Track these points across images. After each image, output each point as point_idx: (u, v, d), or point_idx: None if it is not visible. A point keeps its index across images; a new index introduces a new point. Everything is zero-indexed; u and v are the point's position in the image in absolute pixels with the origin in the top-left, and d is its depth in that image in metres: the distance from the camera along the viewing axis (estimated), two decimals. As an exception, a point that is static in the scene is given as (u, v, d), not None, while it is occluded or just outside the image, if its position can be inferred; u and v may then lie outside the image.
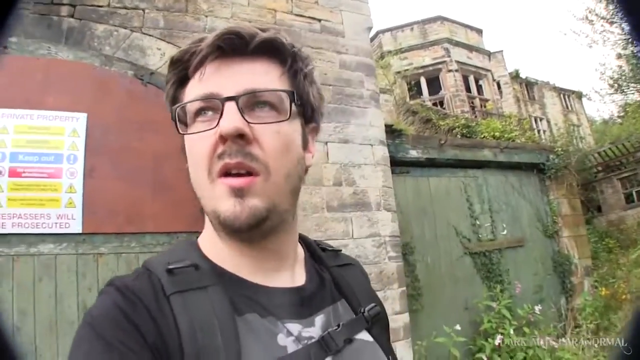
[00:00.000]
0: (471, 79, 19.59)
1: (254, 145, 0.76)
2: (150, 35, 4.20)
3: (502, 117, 15.02)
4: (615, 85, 13.22)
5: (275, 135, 0.78)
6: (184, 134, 0.81)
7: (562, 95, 28.81)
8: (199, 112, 0.79)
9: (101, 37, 4.02)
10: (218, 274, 0.79)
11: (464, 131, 10.56)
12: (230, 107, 0.75)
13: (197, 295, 0.73)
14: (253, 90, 0.77)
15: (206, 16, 4.51)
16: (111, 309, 0.70)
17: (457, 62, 19.18)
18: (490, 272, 7.18)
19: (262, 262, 0.83)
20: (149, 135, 3.91)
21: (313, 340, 0.78)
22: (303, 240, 0.97)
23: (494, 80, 20.64)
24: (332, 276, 0.93)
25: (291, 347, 0.76)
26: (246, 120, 0.76)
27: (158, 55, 4.17)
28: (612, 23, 12.93)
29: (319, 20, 5.23)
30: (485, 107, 18.71)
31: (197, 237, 0.89)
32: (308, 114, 0.87)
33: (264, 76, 0.80)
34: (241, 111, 0.76)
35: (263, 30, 0.82)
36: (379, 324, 0.90)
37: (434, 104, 17.43)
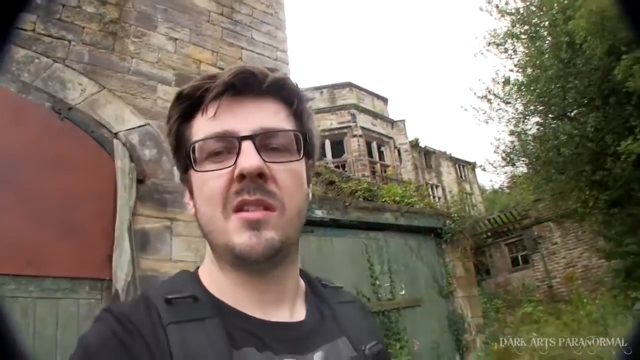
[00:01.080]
0: (374, 144, 20.49)
1: (270, 183, 0.78)
2: (72, 69, 4.08)
3: (402, 183, 15.78)
4: (508, 158, 14.54)
5: (288, 174, 0.80)
6: (198, 171, 0.81)
7: (457, 165, 30.86)
8: (212, 149, 0.80)
9: (21, 63, 3.85)
10: (217, 306, 0.79)
11: (366, 194, 10.94)
12: (248, 146, 0.77)
13: (194, 327, 0.73)
14: (268, 130, 0.80)
15: (132, 57, 4.47)
16: (108, 337, 0.70)
17: (362, 127, 20.05)
18: (389, 330, 7.34)
19: (263, 294, 0.83)
20: (62, 174, 3.71)
21: None
22: (304, 275, 0.97)
23: (395, 147, 21.73)
24: (333, 312, 0.92)
25: None
26: (263, 159, 0.77)
27: (78, 91, 4.05)
28: (507, 103, 14.35)
29: (240, 77, 5.34)
30: (385, 172, 19.55)
31: (197, 268, 0.88)
32: (309, 151, 0.89)
33: (274, 116, 0.83)
34: (257, 150, 0.78)
35: (271, 71, 0.84)
36: None
37: (337, 167, 17.96)
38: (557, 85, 12.20)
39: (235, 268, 0.81)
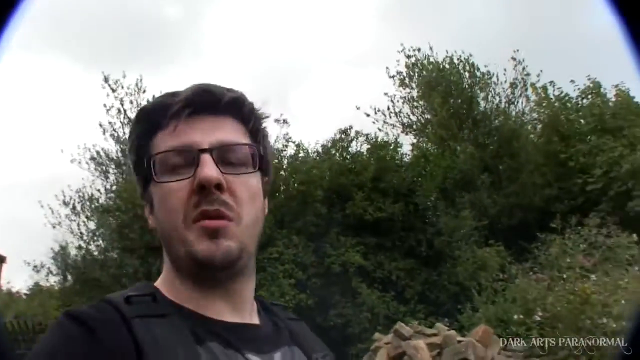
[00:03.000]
0: None
1: (227, 195, 0.81)
2: None
3: None
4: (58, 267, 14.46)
5: (244, 186, 0.84)
6: (158, 182, 0.83)
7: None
8: (172, 162, 0.83)
9: None
10: (176, 308, 0.80)
11: None
12: (206, 159, 0.80)
13: (157, 322, 0.74)
14: (226, 143, 0.84)
15: None
16: (62, 344, 0.71)
17: None
18: None
19: (222, 303, 0.84)
20: None
21: None
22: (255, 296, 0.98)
23: None
24: (286, 325, 0.95)
25: None
26: (220, 171, 0.81)
27: None
28: (89, 218, 14.49)
29: None
30: None
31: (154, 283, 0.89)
32: (264, 168, 0.92)
33: (232, 133, 0.86)
34: (215, 162, 0.81)
35: (229, 91, 0.88)
36: None
37: None
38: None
39: (195, 279, 0.83)
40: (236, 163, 0.85)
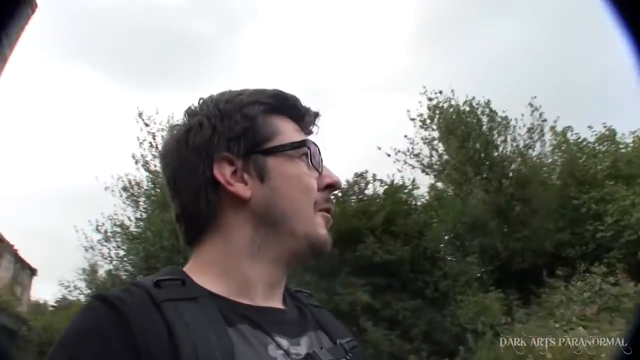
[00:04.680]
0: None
1: None
2: None
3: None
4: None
5: None
6: (318, 170, 0.92)
7: (17, 264, 28.50)
8: (304, 153, 0.92)
9: None
10: (205, 291, 0.81)
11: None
12: (328, 167, 0.96)
13: (188, 305, 0.76)
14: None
15: None
16: (93, 324, 0.73)
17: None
18: None
19: (261, 289, 0.88)
20: None
21: (301, 356, 0.82)
22: None
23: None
24: (310, 311, 0.98)
25: (280, 359, 0.80)
26: None
27: None
28: (119, 247, 15.34)
29: None
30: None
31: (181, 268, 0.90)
32: None
33: None
34: None
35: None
36: (358, 357, 0.94)
37: None
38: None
39: (277, 260, 0.90)
40: None
